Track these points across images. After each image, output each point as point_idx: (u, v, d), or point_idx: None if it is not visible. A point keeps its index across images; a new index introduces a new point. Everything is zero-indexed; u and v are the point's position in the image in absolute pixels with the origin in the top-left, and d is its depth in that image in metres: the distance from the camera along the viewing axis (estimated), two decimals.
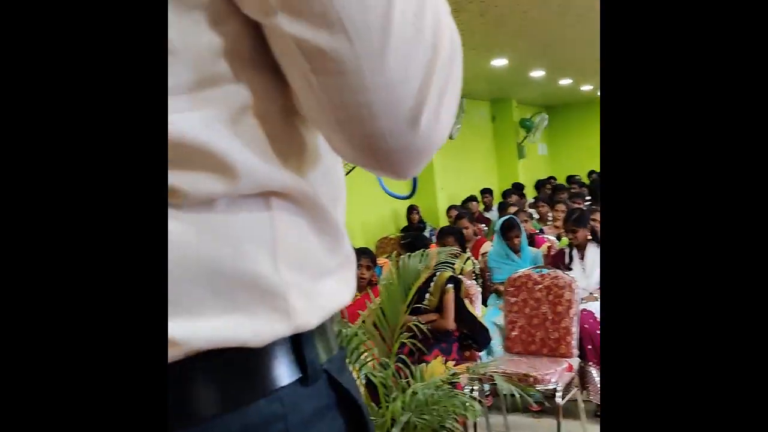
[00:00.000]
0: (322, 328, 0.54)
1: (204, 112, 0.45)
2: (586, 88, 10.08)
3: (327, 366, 0.54)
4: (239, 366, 0.48)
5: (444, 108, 0.47)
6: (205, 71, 0.45)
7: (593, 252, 3.95)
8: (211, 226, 0.47)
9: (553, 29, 5.52)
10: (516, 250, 4.38)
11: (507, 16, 4.81)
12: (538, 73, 7.87)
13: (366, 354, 2.42)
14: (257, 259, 0.48)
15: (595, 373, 3.45)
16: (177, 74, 0.44)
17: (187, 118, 0.44)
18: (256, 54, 0.48)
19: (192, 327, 0.46)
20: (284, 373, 0.50)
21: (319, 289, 0.53)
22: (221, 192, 0.46)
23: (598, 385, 3.43)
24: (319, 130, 0.51)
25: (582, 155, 12.13)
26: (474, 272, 4.35)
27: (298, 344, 0.51)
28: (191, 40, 0.44)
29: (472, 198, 7.55)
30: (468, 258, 4.33)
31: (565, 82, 9.00)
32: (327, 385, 0.54)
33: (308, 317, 0.51)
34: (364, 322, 3.06)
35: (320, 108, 0.46)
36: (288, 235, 0.50)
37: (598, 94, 10.99)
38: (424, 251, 2.92)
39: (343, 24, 0.42)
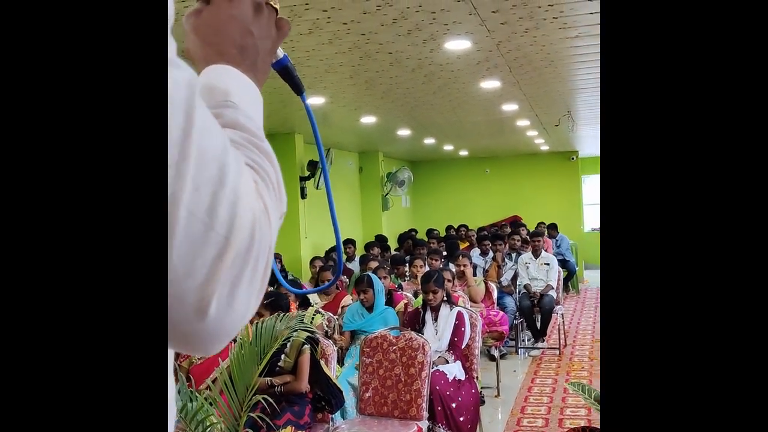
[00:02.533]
0: None
1: None
2: (448, 147, 10.63)
3: None
4: None
5: (238, 296, 0.50)
6: None
7: (446, 313, 4.12)
8: None
9: (418, 96, 5.81)
10: (367, 307, 4.46)
11: (375, 80, 5.01)
12: (404, 132, 8.19)
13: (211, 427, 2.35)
14: None
15: None
16: None
17: None
18: None
19: None
20: None
21: None
22: None
23: None
24: None
25: (442, 209, 12.68)
26: (324, 326, 4.36)
27: None
28: None
29: (335, 248, 7.62)
30: (316, 311, 4.33)
31: (429, 141, 9.44)
32: None
33: None
34: (213, 382, 2.97)
35: None
36: None
37: (460, 153, 11.61)
38: (283, 314, 2.91)
39: None
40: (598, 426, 1.81)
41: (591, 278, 12.00)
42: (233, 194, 0.48)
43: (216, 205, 0.47)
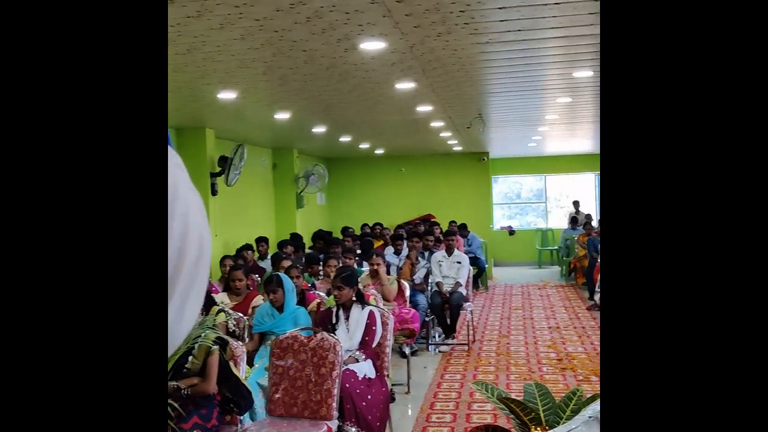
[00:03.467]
0: None
1: None
2: (364, 146, 10.67)
3: None
4: None
5: (188, 307, 0.50)
6: None
7: (357, 312, 4.15)
8: None
9: (333, 94, 5.80)
10: (277, 307, 4.41)
11: (289, 77, 4.96)
12: (319, 129, 8.16)
13: None
14: None
15: (353, 431, 3.58)
16: None
17: None
18: None
19: None
20: None
21: None
22: None
23: None
24: None
25: (357, 207, 12.72)
26: (228, 325, 4.26)
27: None
28: None
29: (247, 246, 7.49)
30: (220, 310, 4.23)
31: (345, 139, 9.45)
32: None
33: None
34: None
35: None
36: None
37: (376, 151, 11.68)
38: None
39: None
40: (504, 422, 1.88)
41: (500, 275, 12.40)
42: (185, 206, 0.48)
43: (173, 215, 0.47)
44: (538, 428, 1.75)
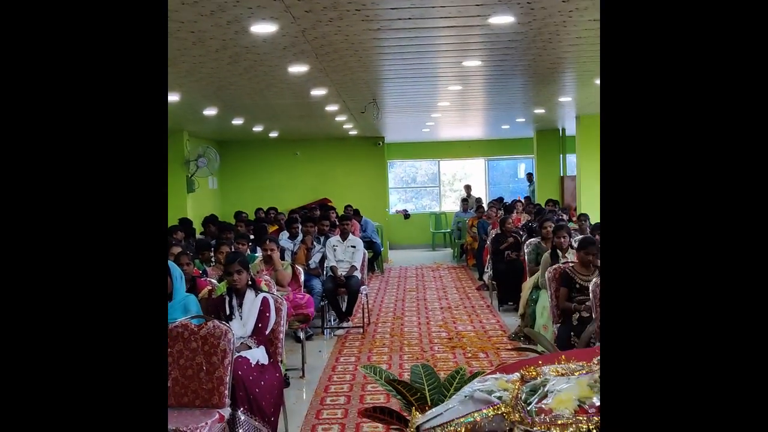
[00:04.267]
0: None
1: None
2: (258, 128, 10.48)
3: None
4: None
5: None
6: None
7: (251, 299, 4.10)
8: None
9: (224, 76, 5.66)
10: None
11: (178, 58, 4.79)
12: (211, 111, 7.93)
13: None
14: None
15: (244, 417, 3.55)
16: None
17: None
18: None
19: None
20: None
21: None
22: None
23: (247, 429, 3.55)
24: None
25: (251, 191, 12.50)
26: None
27: None
28: None
29: None
30: None
31: (237, 121, 9.24)
32: None
33: None
34: None
35: None
36: None
37: (270, 135, 11.50)
38: None
39: None
40: (396, 404, 1.94)
41: (395, 258, 12.64)
42: None
43: None
44: (425, 407, 1.83)
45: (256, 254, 6.36)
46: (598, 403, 0.99)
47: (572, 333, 4.55)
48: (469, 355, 5.70)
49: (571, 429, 0.96)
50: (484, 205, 12.32)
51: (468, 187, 14.10)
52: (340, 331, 6.67)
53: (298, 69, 5.38)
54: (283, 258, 6.40)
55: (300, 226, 7.68)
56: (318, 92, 6.76)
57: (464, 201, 12.96)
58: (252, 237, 7.58)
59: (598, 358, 1.11)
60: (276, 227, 9.27)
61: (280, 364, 4.03)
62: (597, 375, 1.06)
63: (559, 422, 0.97)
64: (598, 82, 6.74)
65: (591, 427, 0.96)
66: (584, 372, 1.13)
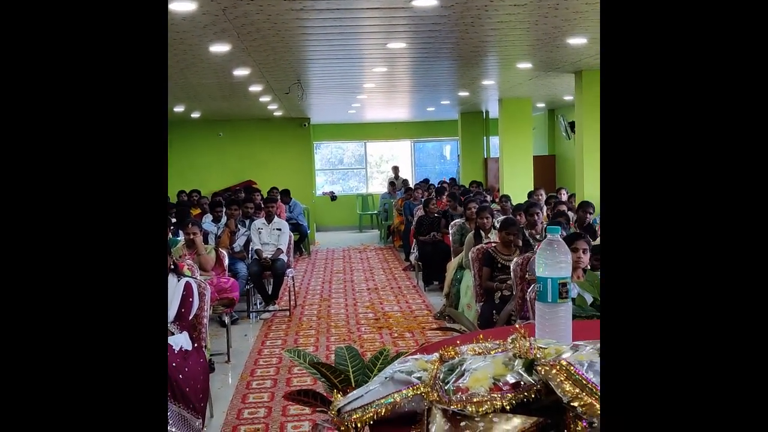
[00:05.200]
0: None
1: None
2: (179, 109, 10.19)
3: None
4: None
5: None
6: None
7: (173, 284, 4.00)
8: None
9: None
10: None
11: None
12: None
13: None
14: None
15: (185, 413, 3.47)
16: None
17: None
18: None
19: None
20: None
21: None
22: None
23: (171, 416, 3.47)
24: None
25: (173, 174, 12.13)
26: None
27: None
28: None
29: None
30: None
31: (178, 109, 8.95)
32: None
33: None
34: None
35: None
36: None
37: (192, 115, 11.18)
38: None
39: None
40: (322, 386, 1.95)
41: (322, 240, 12.61)
42: None
43: None
44: (349, 389, 1.84)
45: (179, 238, 6.20)
46: (512, 381, 1.03)
47: (494, 311, 4.69)
48: (396, 335, 5.78)
49: (486, 406, 0.99)
50: (411, 186, 12.45)
51: (396, 168, 14.19)
52: (266, 315, 6.62)
53: (219, 48, 5.25)
54: (206, 242, 6.27)
55: (224, 209, 7.54)
56: (241, 72, 6.62)
57: (392, 184, 13.02)
58: (174, 221, 7.39)
59: (514, 336, 1.15)
60: (198, 211, 9.06)
61: (204, 349, 3.97)
62: (512, 353, 1.10)
63: (475, 400, 1.00)
64: (520, 66, 6.90)
65: (504, 404, 0.99)
66: (500, 350, 1.17)
